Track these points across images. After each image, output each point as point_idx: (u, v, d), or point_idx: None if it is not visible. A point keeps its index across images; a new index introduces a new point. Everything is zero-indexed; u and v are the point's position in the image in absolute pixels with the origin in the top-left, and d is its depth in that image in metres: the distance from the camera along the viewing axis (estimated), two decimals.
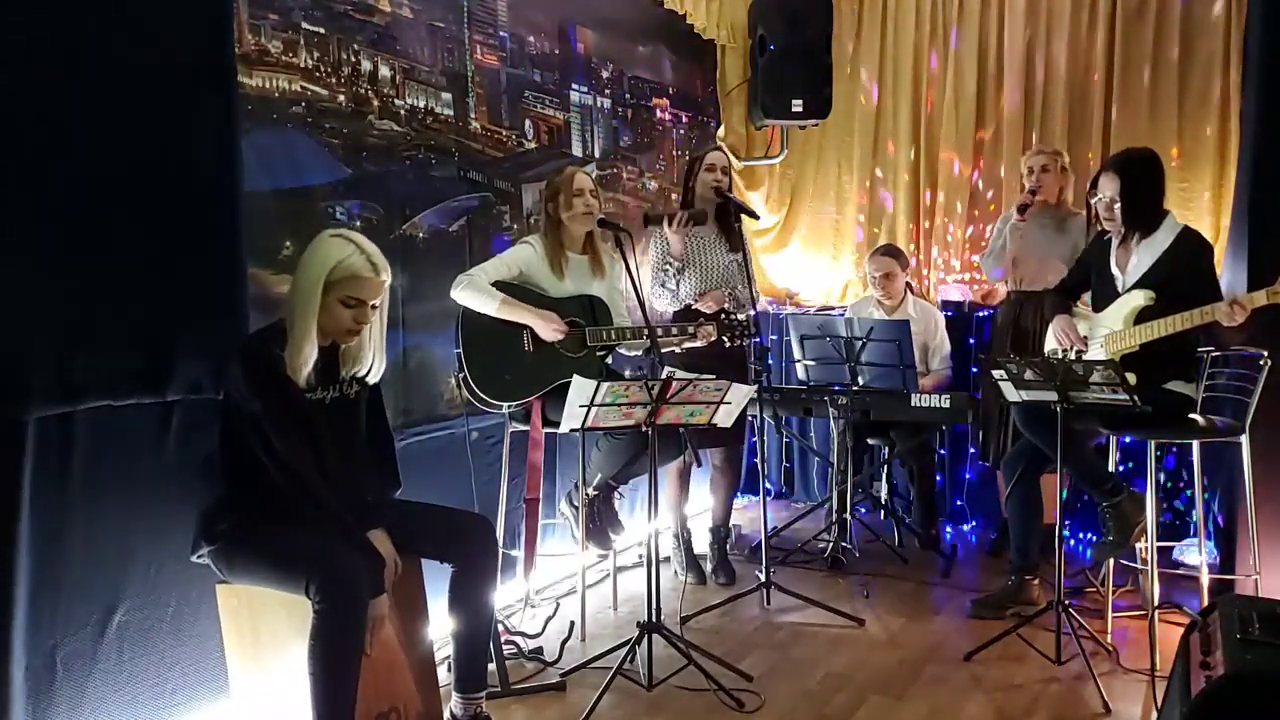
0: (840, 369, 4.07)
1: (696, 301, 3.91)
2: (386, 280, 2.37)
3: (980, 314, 4.76)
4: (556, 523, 3.81)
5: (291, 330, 2.29)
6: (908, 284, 4.55)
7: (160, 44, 2.39)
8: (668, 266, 3.87)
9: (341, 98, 3.05)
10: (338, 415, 2.43)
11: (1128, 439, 3.62)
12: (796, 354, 4.21)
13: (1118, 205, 3.25)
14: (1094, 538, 4.22)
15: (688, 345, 3.50)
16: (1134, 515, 3.21)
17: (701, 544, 4.16)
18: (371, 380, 2.51)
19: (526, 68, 3.88)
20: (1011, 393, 3.17)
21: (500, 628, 3.02)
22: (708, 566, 4.07)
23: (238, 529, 2.29)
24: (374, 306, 2.37)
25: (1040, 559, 3.62)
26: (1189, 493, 3.99)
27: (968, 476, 4.70)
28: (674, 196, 4.78)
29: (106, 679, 2.30)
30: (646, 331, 3.20)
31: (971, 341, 4.70)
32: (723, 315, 3.62)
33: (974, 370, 4.61)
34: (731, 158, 5.21)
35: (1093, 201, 3.43)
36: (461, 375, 3.18)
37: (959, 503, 4.76)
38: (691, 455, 3.03)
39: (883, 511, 4.67)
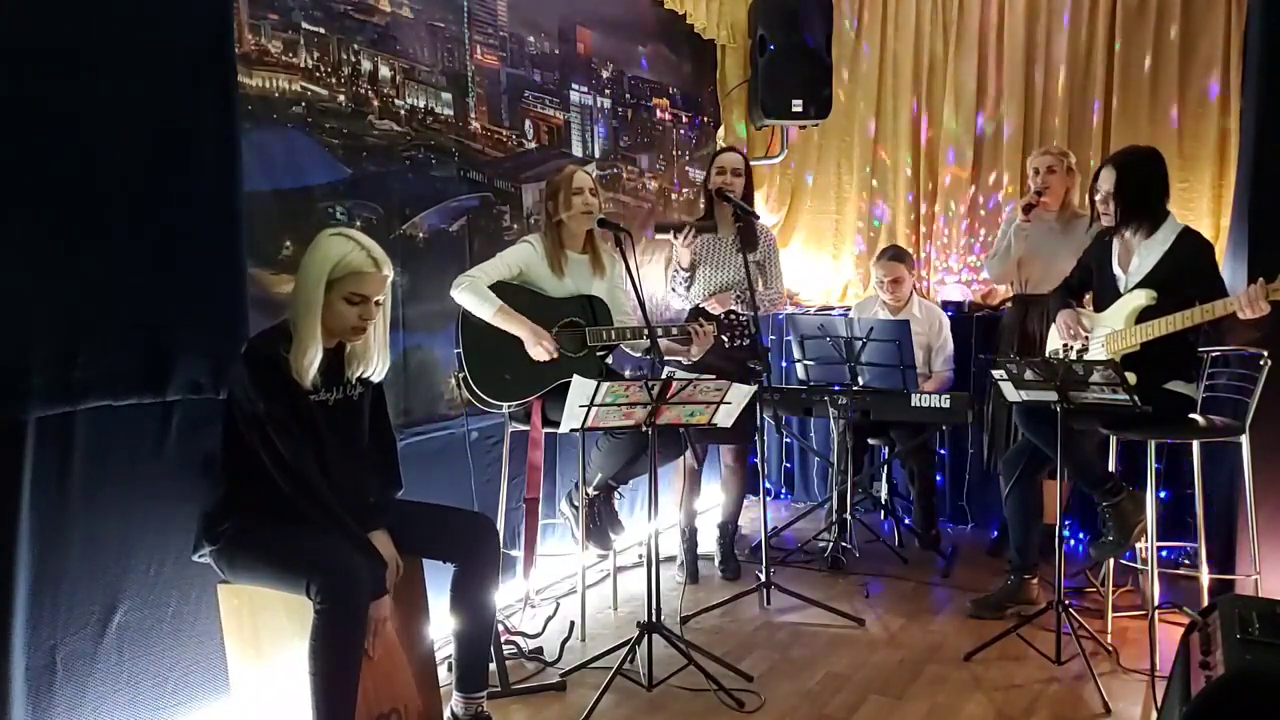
0: (840, 369, 4.07)
1: (705, 302, 3.92)
2: (389, 275, 2.37)
3: (981, 314, 4.75)
4: (556, 523, 3.81)
5: (296, 331, 2.29)
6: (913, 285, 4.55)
7: (160, 44, 2.39)
8: (677, 274, 3.89)
9: (341, 98, 3.05)
10: (341, 416, 2.43)
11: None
12: (796, 354, 4.21)
13: (1112, 199, 3.26)
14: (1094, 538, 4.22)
15: (694, 353, 3.49)
16: (1134, 515, 3.21)
17: (706, 543, 4.16)
18: (375, 379, 2.51)
19: (526, 68, 3.88)
20: (1011, 392, 3.17)
21: (500, 628, 3.02)
22: (714, 563, 4.07)
23: (240, 529, 2.29)
24: (377, 302, 2.37)
25: (1040, 559, 3.62)
26: (1190, 492, 3.99)
27: (968, 477, 4.69)
28: (674, 196, 4.79)
29: (106, 679, 2.29)
30: (646, 331, 3.20)
31: (973, 342, 4.69)
32: (726, 315, 3.63)
33: (974, 371, 4.60)
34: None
35: (1095, 199, 3.41)
36: (461, 375, 3.18)
37: (959, 503, 4.76)
38: (693, 455, 3.02)
39: (883, 511, 4.67)
